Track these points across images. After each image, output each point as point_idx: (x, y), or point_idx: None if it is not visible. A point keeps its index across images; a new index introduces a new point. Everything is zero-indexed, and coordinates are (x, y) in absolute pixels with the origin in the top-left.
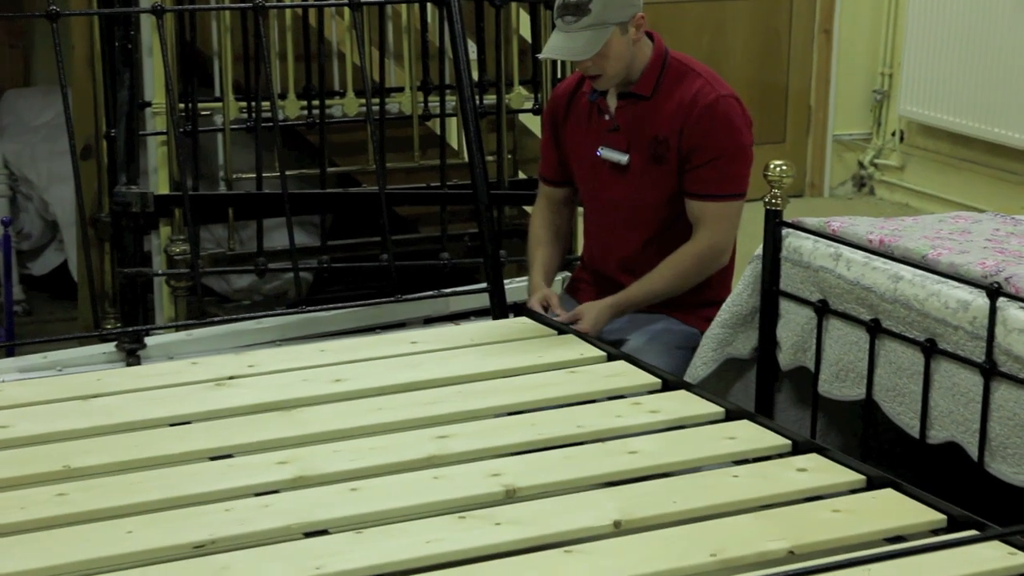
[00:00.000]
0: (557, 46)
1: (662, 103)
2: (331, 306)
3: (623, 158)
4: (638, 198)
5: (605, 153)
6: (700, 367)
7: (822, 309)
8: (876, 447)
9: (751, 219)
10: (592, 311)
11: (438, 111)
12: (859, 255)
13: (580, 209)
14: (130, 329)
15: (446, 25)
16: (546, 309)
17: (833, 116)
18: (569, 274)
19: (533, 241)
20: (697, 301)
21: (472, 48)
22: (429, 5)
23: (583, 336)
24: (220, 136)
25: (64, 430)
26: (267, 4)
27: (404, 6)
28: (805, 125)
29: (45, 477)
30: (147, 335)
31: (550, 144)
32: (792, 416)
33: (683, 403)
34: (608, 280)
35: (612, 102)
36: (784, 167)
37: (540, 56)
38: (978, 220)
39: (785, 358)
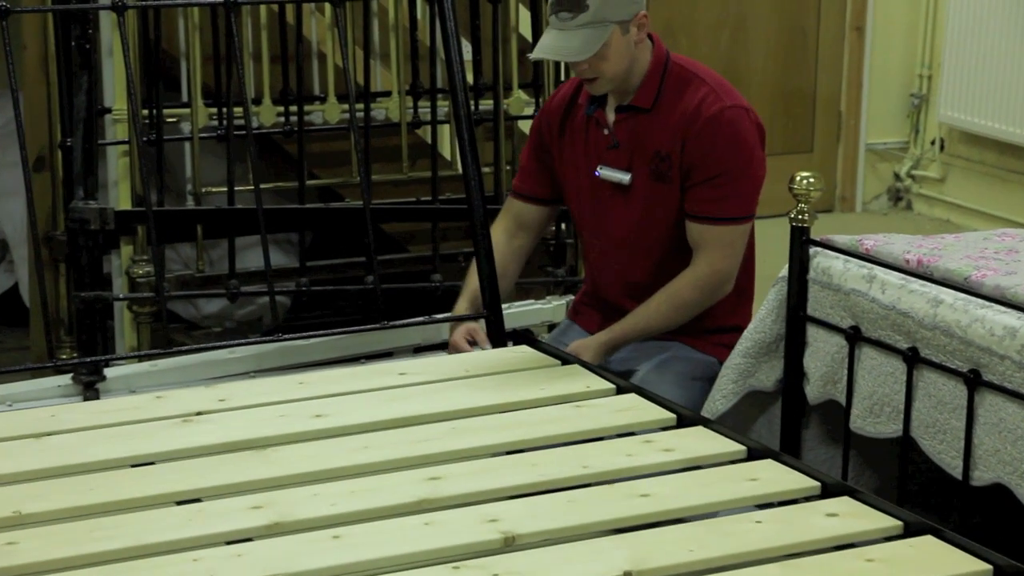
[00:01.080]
0: (550, 45)
1: (664, 115)
2: (311, 334)
3: (625, 177)
4: (643, 220)
5: (605, 173)
6: (719, 400)
7: (854, 336)
8: (914, 489)
9: (775, 237)
10: (583, 353)
11: (429, 118)
12: (895, 277)
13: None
14: (88, 360)
15: (438, 22)
16: (472, 344)
17: (866, 123)
18: (572, 297)
19: (472, 268)
20: (715, 327)
21: (467, 48)
22: (419, 0)
23: (590, 367)
24: (188, 145)
25: (14, 472)
26: (240, 0)
27: (391, 1)
28: (835, 133)
29: None
30: (106, 366)
31: (534, 157)
32: (821, 455)
33: (700, 440)
34: (614, 308)
35: (610, 116)
36: (812, 179)
37: (531, 56)
38: None
39: (813, 390)
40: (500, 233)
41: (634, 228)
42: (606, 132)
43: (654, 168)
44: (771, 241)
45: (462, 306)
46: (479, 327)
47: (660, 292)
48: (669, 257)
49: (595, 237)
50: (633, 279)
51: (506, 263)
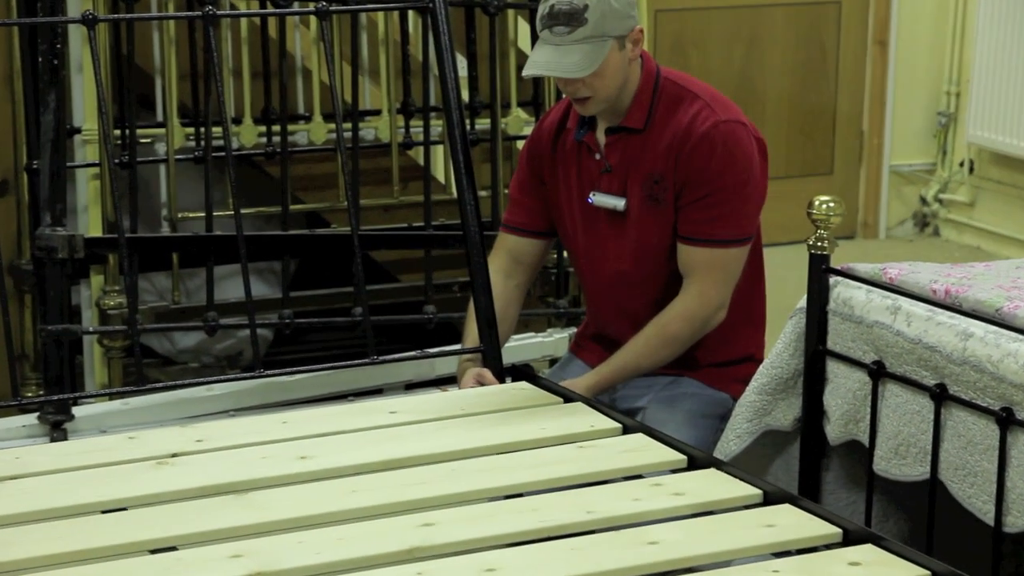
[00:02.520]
0: (546, 61)
1: (656, 135)
2: (295, 369)
3: (619, 203)
4: (640, 247)
5: (598, 199)
6: (733, 441)
7: (877, 372)
8: (942, 537)
9: (793, 265)
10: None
11: (421, 138)
12: (921, 308)
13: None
14: (55, 398)
15: (431, 36)
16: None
17: (890, 143)
18: (575, 329)
19: (473, 307)
20: (727, 361)
21: (462, 63)
22: (411, 13)
23: (594, 404)
24: (163, 168)
25: None
26: (219, 12)
27: (381, 14)
28: (857, 154)
29: None
30: (75, 404)
31: (526, 187)
32: (842, 500)
33: (713, 484)
34: (617, 342)
35: (601, 139)
36: (832, 204)
37: (526, 73)
38: None
39: (834, 430)
40: (495, 273)
41: (632, 256)
42: (598, 157)
43: (648, 192)
44: (788, 270)
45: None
46: (487, 371)
47: (649, 326)
48: (671, 285)
49: (592, 267)
50: (634, 309)
51: (506, 306)
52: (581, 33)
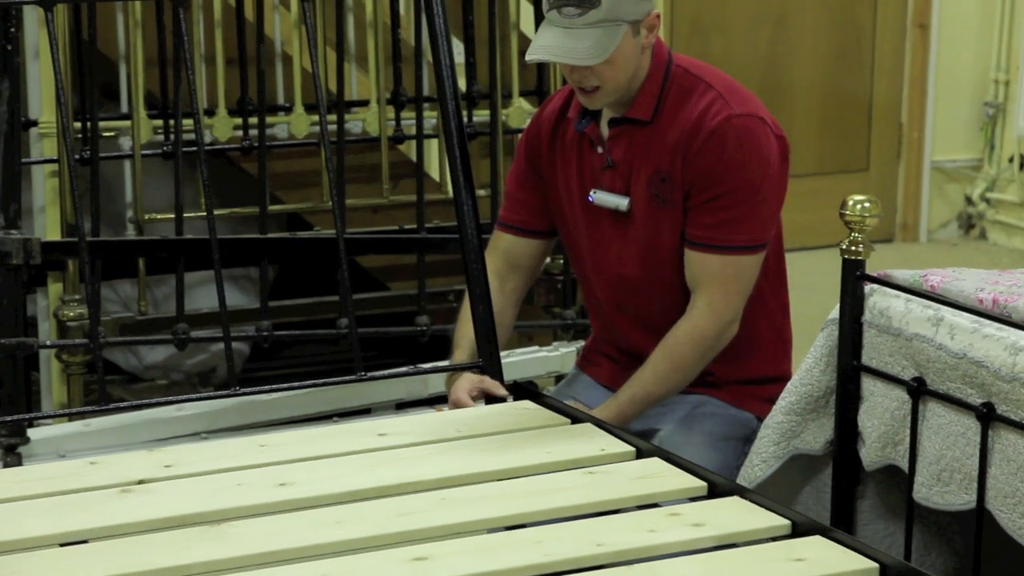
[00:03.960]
0: (555, 45)
1: (664, 128)
2: (274, 387)
3: (622, 202)
4: (647, 252)
5: (600, 197)
6: (758, 466)
7: (918, 390)
8: (990, 572)
9: (824, 272)
10: None
11: (413, 131)
12: (966, 319)
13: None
14: (9, 419)
15: (424, 18)
16: (478, 399)
17: (931, 137)
18: (583, 342)
19: (466, 313)
20: (752, 376)
21: (458, 48)
22: None
23: (605, 425)
24: (128, 164)
25: None
26: None
27: None
28: (895, 149)
29: None
30: (31, 426)
31: (523, 181)
32: (879, 531)
33: (736, 513)
34: (627, 354)
35: (604, 131)
36: (867, 204)
37: (529, 57)
38: None
39: (870, 454)
40: (489, 276)
41: (638, 260)
42: (600, 151)
43: (654, 191)
44: (819, 277)
45: (459, 358)
46: (488, 379)
47: (657, 350)
48: (682, 289)
49: (595, 273)
50: (648, 317)
51: (501, 311)
52: (594, 16)
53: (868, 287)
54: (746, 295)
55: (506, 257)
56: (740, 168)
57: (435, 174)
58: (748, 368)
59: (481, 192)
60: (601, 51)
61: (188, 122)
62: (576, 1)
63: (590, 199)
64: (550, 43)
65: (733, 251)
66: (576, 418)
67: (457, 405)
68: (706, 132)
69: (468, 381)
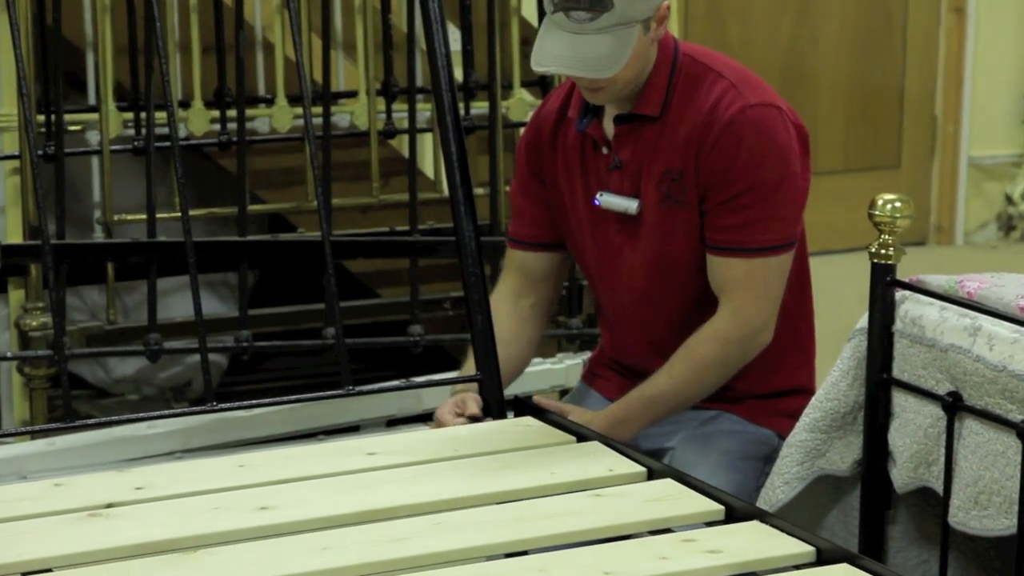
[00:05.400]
0: (565, 54)
1: (675, 123)
2: (254, 403)
3: (631, 205)
4: (659, 258)
5: (607, 200)
6: (780, 487)
7: (953, 405)
8: None
9: (851, 277)
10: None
11: (406, 125)
12: (1006, 329)
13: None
14: None
15: (417, 2)
16: (461, 417)
17: (968, 131)
18: (588, 354)
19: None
20: (773, 391)
21: (454, 36)
22: None
23: (614, 444)
24: (96, 160)
25: None
26: None
27: None
28: (929, 144)
29: None
30: None
31: (528, 189)
32: (912, 558)
33: (755, 539)
34: (637, 372)
35: (609, 129)
36: (898, 204)
37: (537, 66)
38: None
39: (901, 475)
40: (504, 295)
41: (648, 269)
42: (605, 151)
43: (665, 191)
44: (846, 282)
45: (464, 371)
46: (471, 396)
47: (678, 352)
48: (699, 304)
49: (604, 282)
50: (655, 335)
51: (517, 328)
52: (607, 20)
53: (899, 294)
54: (778, 300)
55: (523, 274)
56: (759, 163)
57: (429, 171)
58: (768, 381)
59: (479, 191)
60: (617, 60)
61: (161, 115)
62: (587, 4)
63: (596, 203)
64: (559, 51)
65: (760, 253)
66: (582, 436)
67: (438, 423)
68: (720, 125)
69: (449, 405)
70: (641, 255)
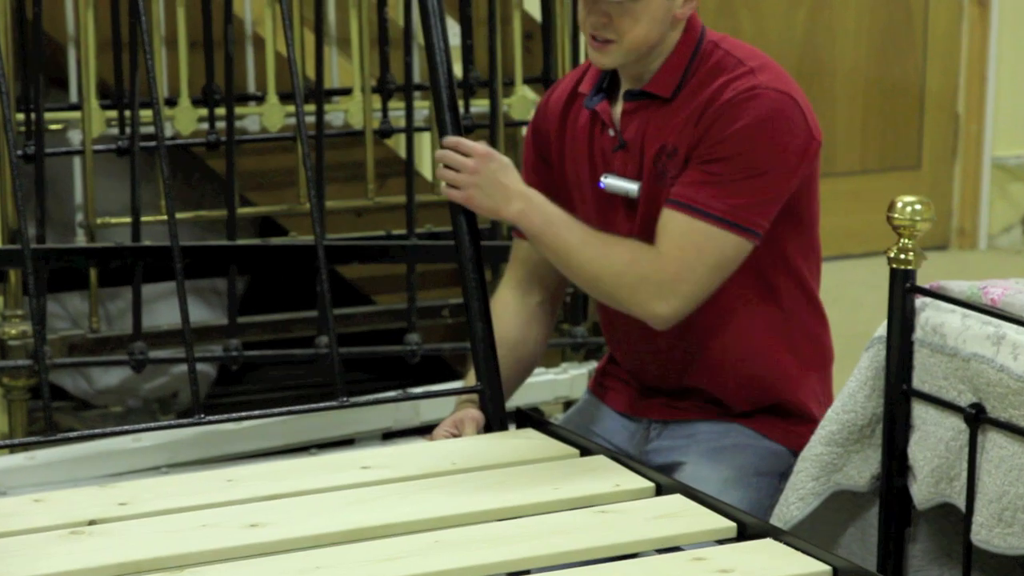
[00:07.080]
0: None
1: (683, 105)
2: (243, 415)
3: (632, 188)
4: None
5: (611, 183)
6: (795, 504)
7: (976, 417)
8: None
9: (870, 283)
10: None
11: (402, 124)
12: None
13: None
14: None
15: None
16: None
17: (992, 130)
18: (594, 364)
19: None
20: (786, 403)
21: (454, 30)
22: None
23: (621, 459)
24: (78, 161)
25: None
26: None
27: None
28: (951, 143)
29: None
30: None
31: (535, 175)
32: None
33: (770, 558)
34: (640, 376)
35: (617, 107)
36: (918, 206)
37: None
38: None
39: (922, 490)
40: (508, 290)
41: None
42: (612, 133)
43: (661, 169)
44: (864, 289)
45: (467, 382)
46: (469, 416)
47: (614, 238)
48: (700, 315)
49: None
50: (652, 343)
51: (524, 325)
52: None
53: (920, 301)
54: (704, 281)
55: (527, 268)
56: (751, 143)
57: (427, 172)
58: (783, 393)
59: None
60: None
61: (146, 113)
62: None
63: (601, 185)
64: None
65: (705, 217)
66: (587, 450)
67: (453, 429)
68: (723, 100)
69: (447, 424)
70: (642, 238)
